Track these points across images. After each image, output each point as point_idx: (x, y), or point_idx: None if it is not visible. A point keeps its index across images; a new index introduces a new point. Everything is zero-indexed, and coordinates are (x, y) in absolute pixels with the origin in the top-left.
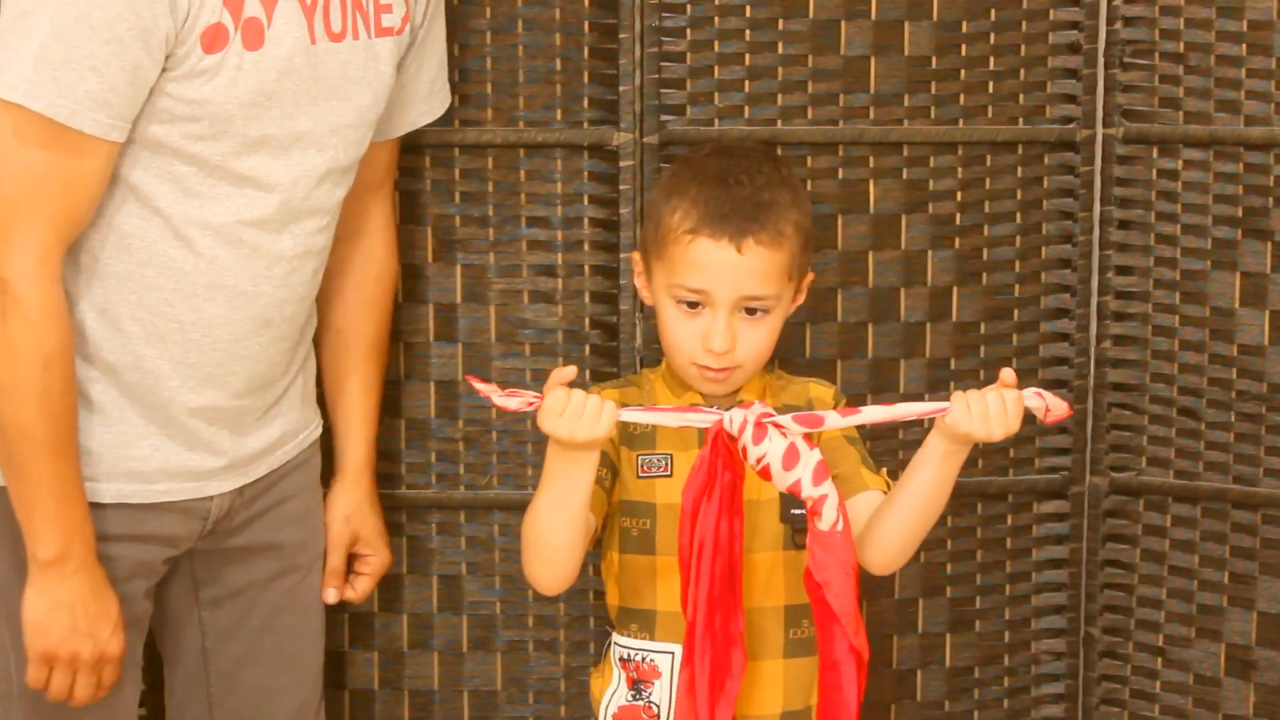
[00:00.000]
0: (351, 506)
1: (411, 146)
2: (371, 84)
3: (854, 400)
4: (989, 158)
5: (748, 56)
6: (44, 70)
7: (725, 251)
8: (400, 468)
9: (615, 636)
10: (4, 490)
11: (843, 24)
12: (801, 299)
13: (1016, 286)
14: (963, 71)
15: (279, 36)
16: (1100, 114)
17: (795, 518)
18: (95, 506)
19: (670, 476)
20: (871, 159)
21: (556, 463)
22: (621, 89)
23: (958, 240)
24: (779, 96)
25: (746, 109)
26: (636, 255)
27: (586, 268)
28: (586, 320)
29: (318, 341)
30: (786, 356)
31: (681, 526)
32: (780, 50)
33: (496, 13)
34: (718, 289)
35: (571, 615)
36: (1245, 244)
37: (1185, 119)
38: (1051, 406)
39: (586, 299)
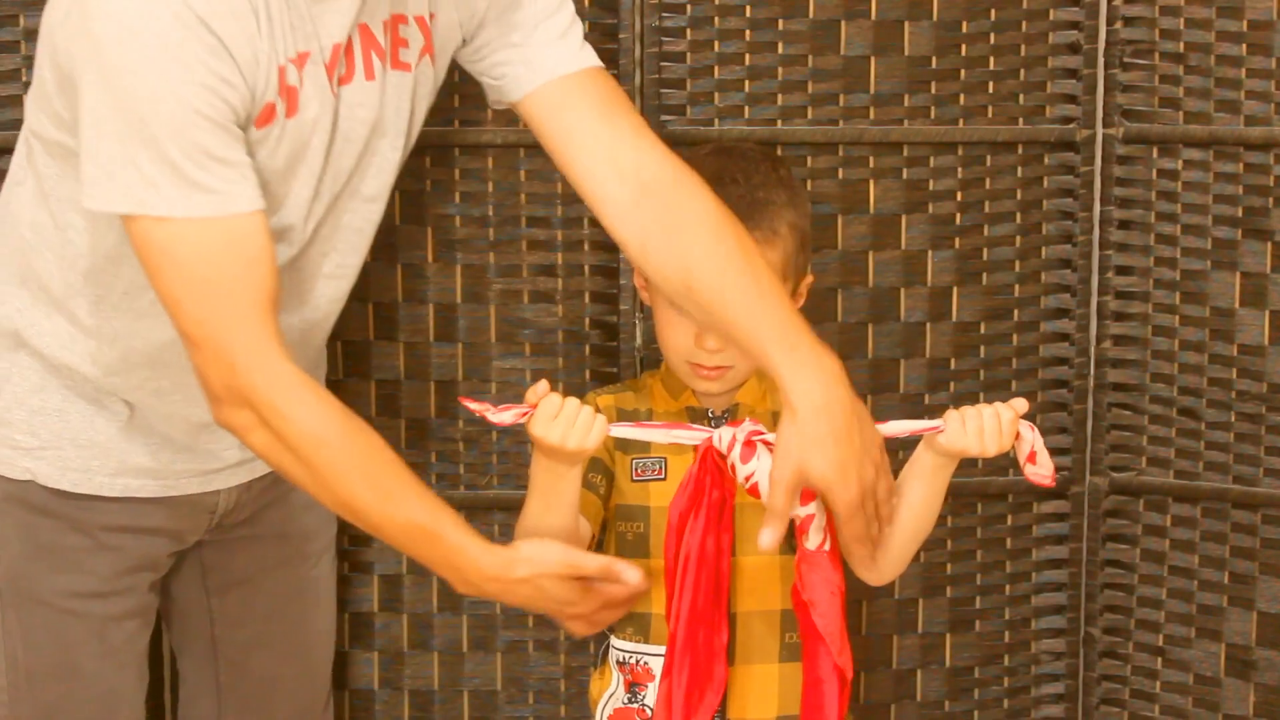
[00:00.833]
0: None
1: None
2: (392, 121)
3: None
4: (989, 158)
5: (748, 56)
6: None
7: None
8: None
9: (613, 639)
10: (26, 482)
11: (843, 24)
12: (800, 301)
13: (1016, 286)
14: (963, 71)
15: (309, 99)
16: (1100, 114)
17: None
18: (100, 500)
19: (664, 480)
20: (871, 159)
21: (541, 476)
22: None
23: (958, 240)
24: (779, 96)
25: (746, 109)
26: None
27: (586, 268)
28: (586, 320)
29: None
30: None
31: (667, 541)
32: (780, 50)
33: None
34: None
35: None
36: (1245, 244)
37: (1185, 119)
38: (1038, 455)
39: (586, 299)
